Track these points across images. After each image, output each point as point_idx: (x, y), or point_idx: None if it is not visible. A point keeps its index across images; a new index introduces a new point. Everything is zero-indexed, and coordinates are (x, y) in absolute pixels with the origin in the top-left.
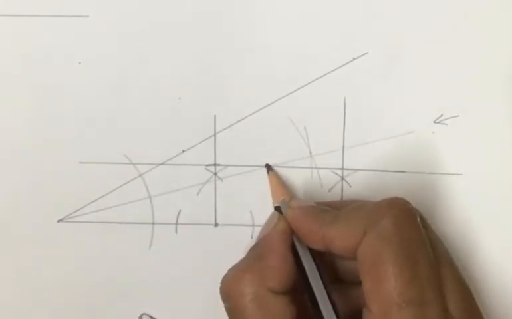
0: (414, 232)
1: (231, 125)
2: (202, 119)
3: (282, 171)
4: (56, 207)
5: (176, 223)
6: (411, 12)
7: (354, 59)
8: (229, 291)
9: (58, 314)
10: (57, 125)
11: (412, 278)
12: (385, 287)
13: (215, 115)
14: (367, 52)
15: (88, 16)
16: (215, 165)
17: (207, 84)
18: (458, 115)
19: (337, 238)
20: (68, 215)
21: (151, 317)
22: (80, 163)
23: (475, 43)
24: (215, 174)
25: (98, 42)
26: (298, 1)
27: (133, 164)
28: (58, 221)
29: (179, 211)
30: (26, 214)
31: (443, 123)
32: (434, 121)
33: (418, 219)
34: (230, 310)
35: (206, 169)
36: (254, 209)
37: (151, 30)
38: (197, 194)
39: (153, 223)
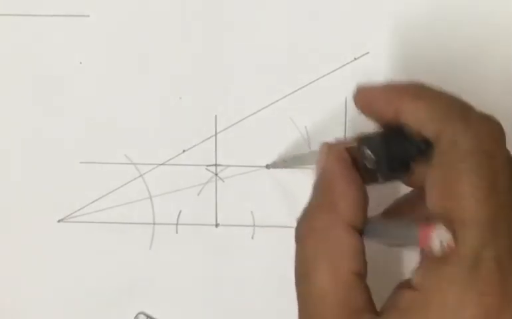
0: (502, 150)
1: (231, 125)
2: (203, 119)
3: (283, 172)
4: (56, 207)
5: (177, 223)
6: (411, 12)
7: (355, 59)
8: (301, 229)
9: (58, 314)
10: (57, 125)
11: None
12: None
13: (215, 115)
14: (368, 52)
15: (88, 16)
16: (215, 165)
17: (207, 84)
18: None
19: (414, 115)
20: (68, 215)
21: (147, 316)
22: (80, 163)
23: (475, 43)
24: (216, 174)
25: (98, 42)
26: (299, 1)
27: (134, 164)
28: (58, 221)
29: (180, 211)
30: (26, 214)
31: None
32: None
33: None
34: (301, 251)
35: (207, 169)
36: (255, 210)
37: (152, 30)
38: (198, 194)
39: (153, 223)
